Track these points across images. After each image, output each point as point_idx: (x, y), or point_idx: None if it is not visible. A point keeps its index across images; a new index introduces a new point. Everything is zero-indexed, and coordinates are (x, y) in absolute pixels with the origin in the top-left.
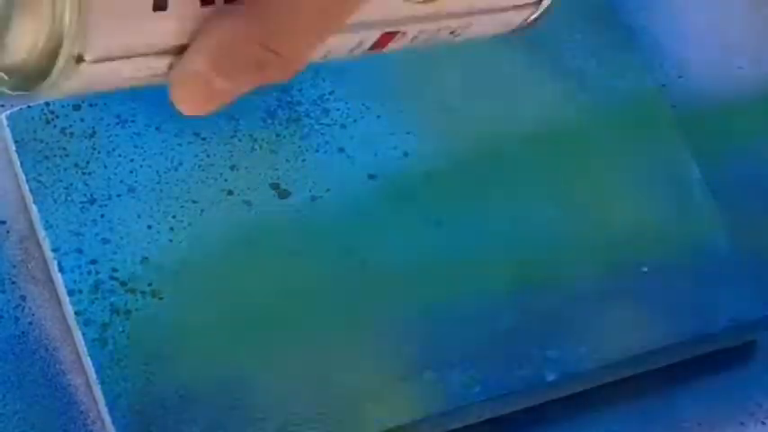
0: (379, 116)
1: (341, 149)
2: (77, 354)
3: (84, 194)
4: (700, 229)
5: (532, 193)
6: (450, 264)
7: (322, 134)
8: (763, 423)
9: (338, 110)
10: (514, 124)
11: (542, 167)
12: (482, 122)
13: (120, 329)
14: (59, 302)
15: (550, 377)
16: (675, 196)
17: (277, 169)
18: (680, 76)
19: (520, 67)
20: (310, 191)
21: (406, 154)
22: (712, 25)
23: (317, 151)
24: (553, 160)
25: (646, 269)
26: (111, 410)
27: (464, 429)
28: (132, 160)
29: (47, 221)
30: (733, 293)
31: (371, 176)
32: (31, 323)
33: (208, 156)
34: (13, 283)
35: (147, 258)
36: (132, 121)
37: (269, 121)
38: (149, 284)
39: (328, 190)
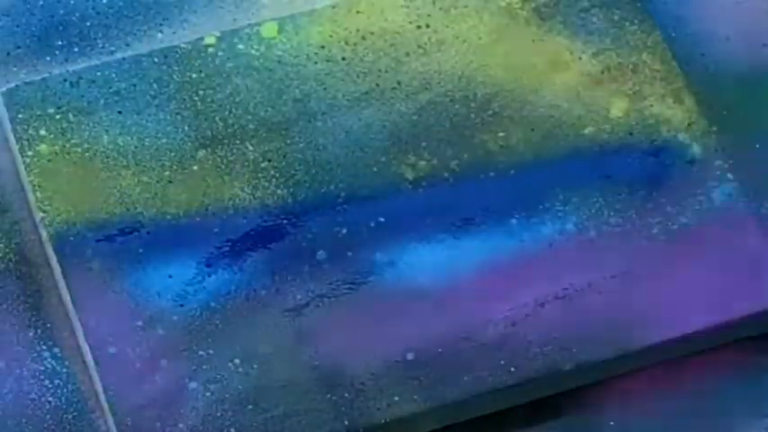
0: None
1: None
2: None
3: (81, 170)
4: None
5: None
6: None
7: None
8: None
9: None
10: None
11: None
12: None
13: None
14: (65, 310)
15: (567, 366)
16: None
17: None
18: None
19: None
20: None
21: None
22: None
23: None
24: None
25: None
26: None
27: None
28: (130, 136)
29: (43, 201)
30: (755, 279)
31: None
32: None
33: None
34: (9, 261)
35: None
36: (131, 98)
37: None
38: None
39: None
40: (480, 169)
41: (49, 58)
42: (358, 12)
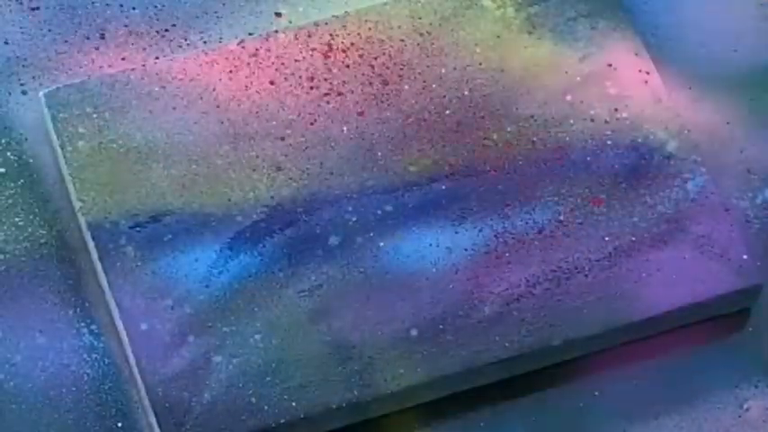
0: None
1: None
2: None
3: (116, 164)
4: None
5: None
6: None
7: None
8: (756, 386)
9: None
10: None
11: None
12: None
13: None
14: (102, 291)
15: (556, 342)
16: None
17: None
18: None
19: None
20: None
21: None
22: None
23: None
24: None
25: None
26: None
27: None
28: (160, 133)
29: (81, 192)
30: (726, 262)
31: None
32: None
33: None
34: (51, 246)
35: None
36: (161, 99)
37: None
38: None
39: None
40: (477, 164)
41: (87, 63)
42: (367, 20)
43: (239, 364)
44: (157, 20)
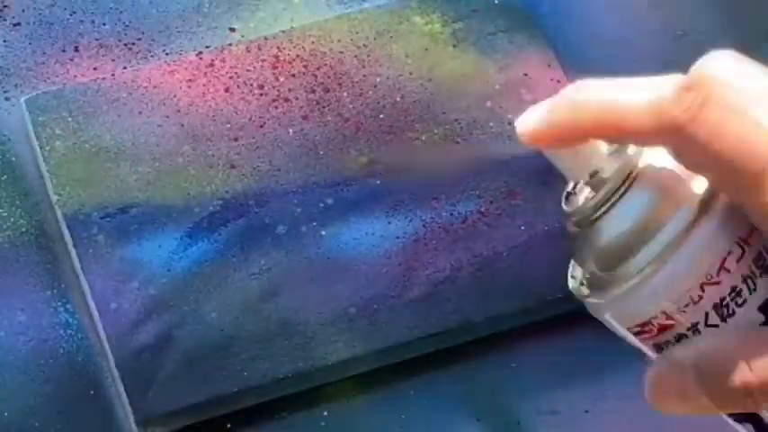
0: None
1: None
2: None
3: (88, 161)
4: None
5: None
6: None
7: None
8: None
9: None
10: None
11: None
12: None
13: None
14: (76, 274)
15: (478, 319)
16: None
17: None
18: None
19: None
20: None
21: None
22: None
23: None
24: None
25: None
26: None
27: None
28: (127, 134)
29: (57, 187)
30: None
31: None
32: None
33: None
34: (31, 234)
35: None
36: (128, 105)
37: None
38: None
39: None
40: (408, 162)
41: (63, 73)
42: (310, 35)
43: (197, 339)
44: (125, 34)
